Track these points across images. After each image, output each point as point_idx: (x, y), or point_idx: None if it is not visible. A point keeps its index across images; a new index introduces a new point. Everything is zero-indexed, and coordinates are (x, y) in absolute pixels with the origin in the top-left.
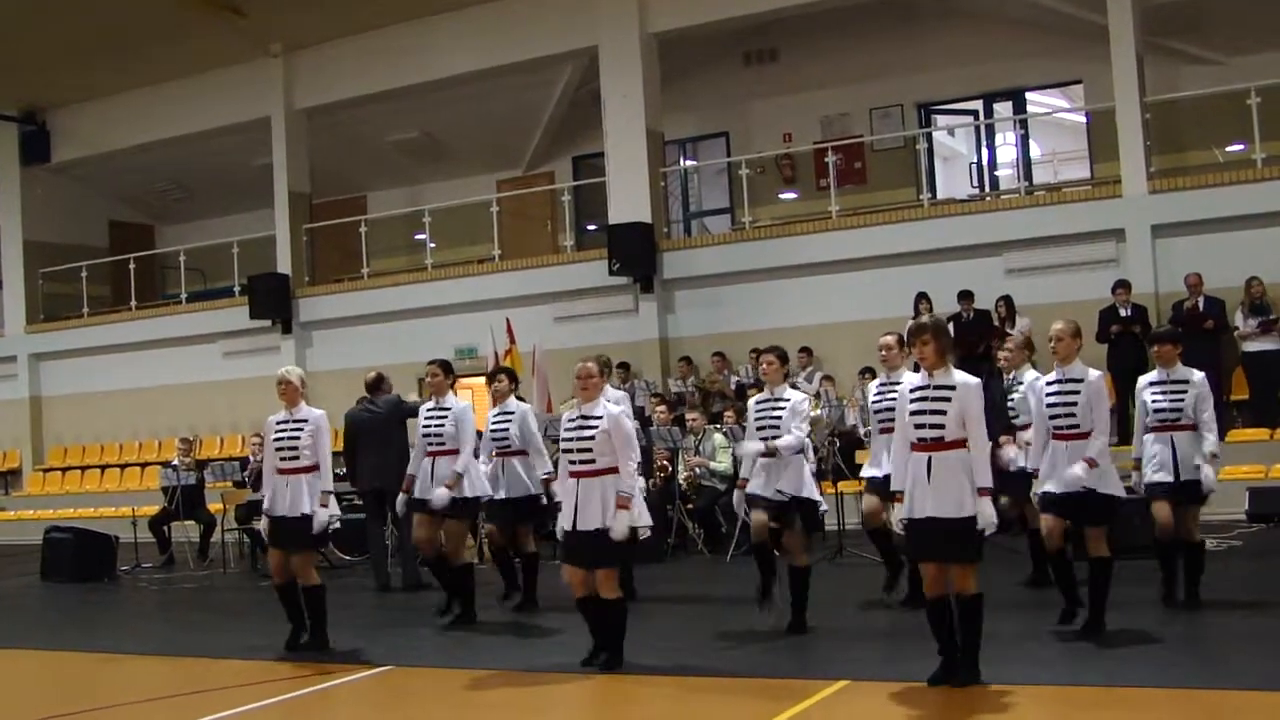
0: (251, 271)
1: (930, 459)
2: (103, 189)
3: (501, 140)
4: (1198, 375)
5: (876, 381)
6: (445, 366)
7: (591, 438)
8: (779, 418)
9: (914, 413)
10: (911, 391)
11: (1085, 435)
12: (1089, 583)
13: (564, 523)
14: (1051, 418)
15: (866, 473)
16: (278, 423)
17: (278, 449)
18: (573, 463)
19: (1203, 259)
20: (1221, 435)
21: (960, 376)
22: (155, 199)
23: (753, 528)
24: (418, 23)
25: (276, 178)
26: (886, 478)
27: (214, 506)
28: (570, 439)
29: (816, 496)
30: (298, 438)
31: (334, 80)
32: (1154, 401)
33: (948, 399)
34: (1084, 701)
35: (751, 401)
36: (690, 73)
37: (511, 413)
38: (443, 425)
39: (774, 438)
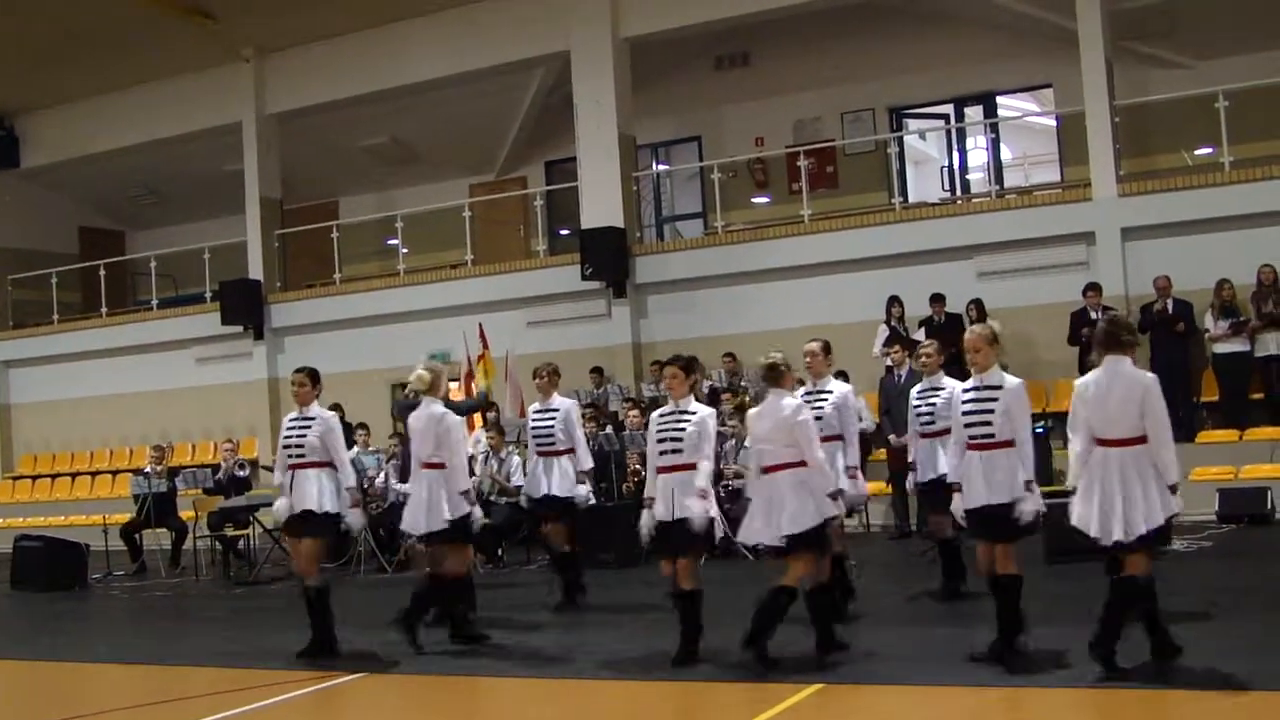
0: (223, 277)
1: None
2: (73, 195)
3: (474, 145)
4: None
5: (802, 390)
6: (313, 376)
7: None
8: (682, 430)
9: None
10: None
11: (1002, 445)
12: (996, 603)
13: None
14: (966, 426)
15: None
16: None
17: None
18: (665, 452)
19: (1172, 261)
20: (1191, 437)
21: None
22: (126, 205)
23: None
24: (389, 28)
25: (248, 183)
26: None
27: (186, 514)
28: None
29: (713, 513)
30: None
31: (305, 85)
32: None
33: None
34: (1057, 703)
35: (654, 415)
36: (662, 77)
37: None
38: (304, 436)
39: (675, 452)
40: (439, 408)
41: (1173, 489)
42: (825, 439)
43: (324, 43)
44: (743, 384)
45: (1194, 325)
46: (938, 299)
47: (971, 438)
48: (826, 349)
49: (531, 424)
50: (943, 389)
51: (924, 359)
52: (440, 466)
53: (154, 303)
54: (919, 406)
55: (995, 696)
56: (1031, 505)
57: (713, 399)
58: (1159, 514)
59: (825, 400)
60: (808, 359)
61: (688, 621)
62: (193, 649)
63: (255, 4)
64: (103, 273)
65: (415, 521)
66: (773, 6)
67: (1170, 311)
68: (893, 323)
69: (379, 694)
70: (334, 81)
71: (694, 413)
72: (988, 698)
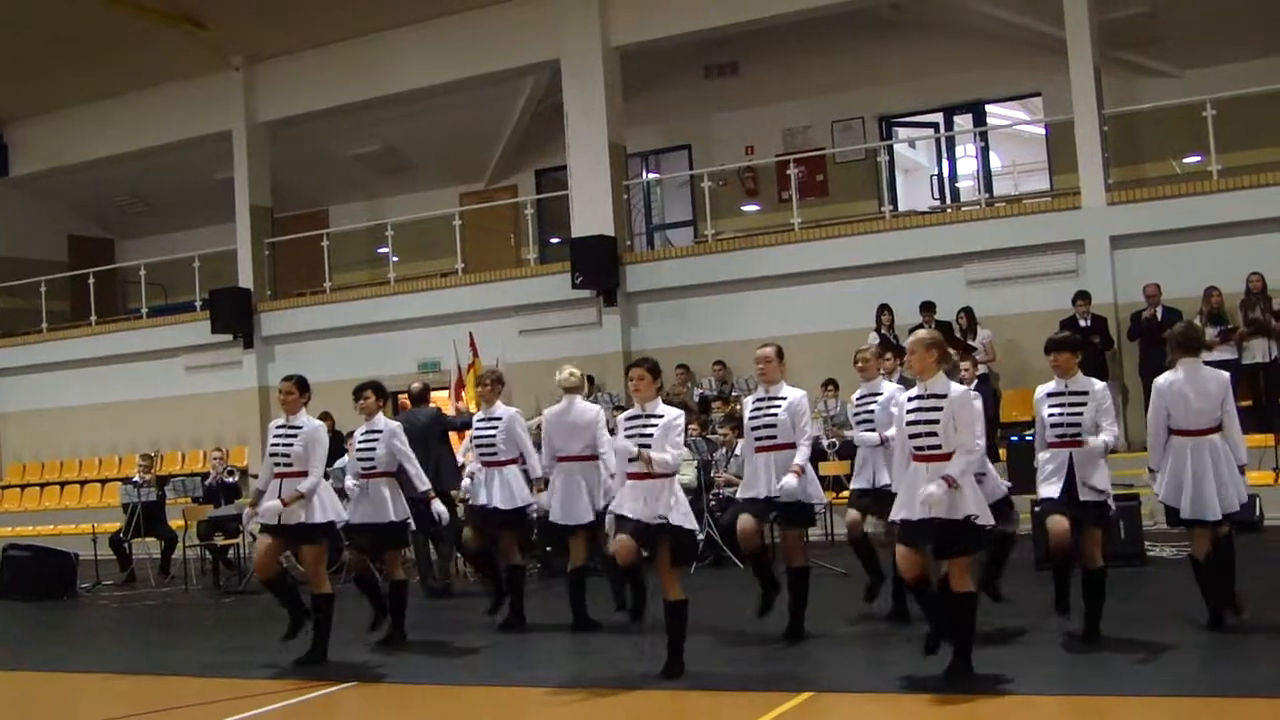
0: (213, 286)
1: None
2: (61, 203)
3: (464, 153)
4: (1098, 385)
5: (753, 396)
6: (301, 384)
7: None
8: (650, 435)
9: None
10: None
11: (949, 457)
12: (951, 620)
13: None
14: (911, 437)
15: (744, 493)
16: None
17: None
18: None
19: (1161, 270)
20: None
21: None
22: (115, 213)
23: (618, 552)
24: (380, 36)
25: (238, 191)
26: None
27: (175, 523)
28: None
29: (691, 524)
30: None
31: (296, 94)
32: (1051, 415)
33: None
34: (1050, 711)
35: (621, 418)
36: (652, 86)
37: (379, 431)
38: (291, 445)
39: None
40: (590, 407)
41: (1242, 469)
42: (778, 447)
43: (314, 51)
44: (734, 393)
45: None
46: (928, 307)
47: (917, 449)
48: (780, 354)
49: (475, 433)
50: (879, 394)
51: (860, 363)
52: (589, 459)
53: (143, 311)
54: (858, 414)
55: (987, 705)
56: (1005, 525)
57: (704, 407)
58: (1244, 492)
59: (779, 407)
60: (762, 365)
61: (674, 632)
62: (182, 659)
63: (245, 12)
64: (92, 281)
65: (573, 512)
66: (762, 16)
67: (1160, 319)
68: (883, 331)
69: (371, 704)
70: (324, 90)
71: (660, 415)
72: (979, 707)
